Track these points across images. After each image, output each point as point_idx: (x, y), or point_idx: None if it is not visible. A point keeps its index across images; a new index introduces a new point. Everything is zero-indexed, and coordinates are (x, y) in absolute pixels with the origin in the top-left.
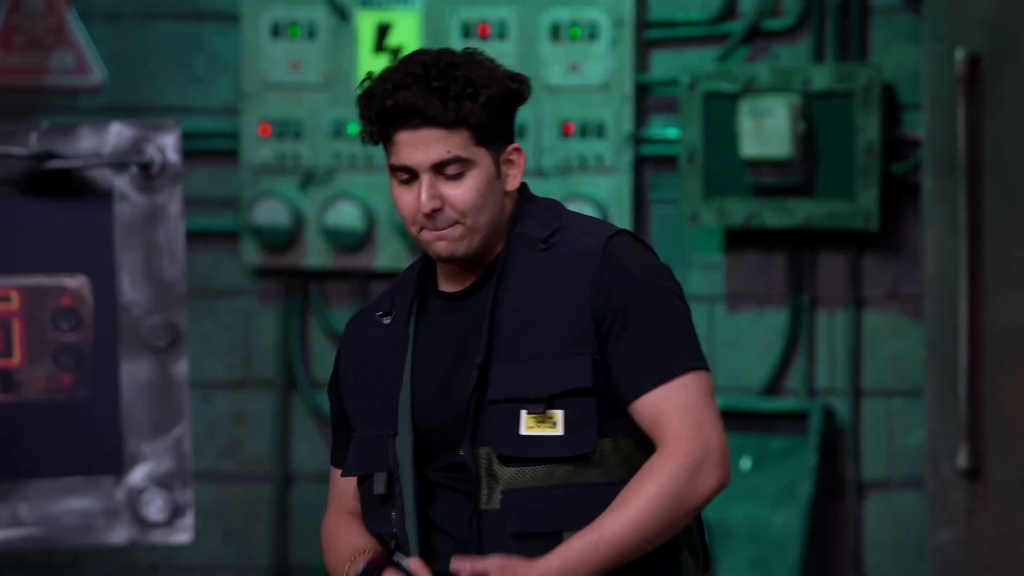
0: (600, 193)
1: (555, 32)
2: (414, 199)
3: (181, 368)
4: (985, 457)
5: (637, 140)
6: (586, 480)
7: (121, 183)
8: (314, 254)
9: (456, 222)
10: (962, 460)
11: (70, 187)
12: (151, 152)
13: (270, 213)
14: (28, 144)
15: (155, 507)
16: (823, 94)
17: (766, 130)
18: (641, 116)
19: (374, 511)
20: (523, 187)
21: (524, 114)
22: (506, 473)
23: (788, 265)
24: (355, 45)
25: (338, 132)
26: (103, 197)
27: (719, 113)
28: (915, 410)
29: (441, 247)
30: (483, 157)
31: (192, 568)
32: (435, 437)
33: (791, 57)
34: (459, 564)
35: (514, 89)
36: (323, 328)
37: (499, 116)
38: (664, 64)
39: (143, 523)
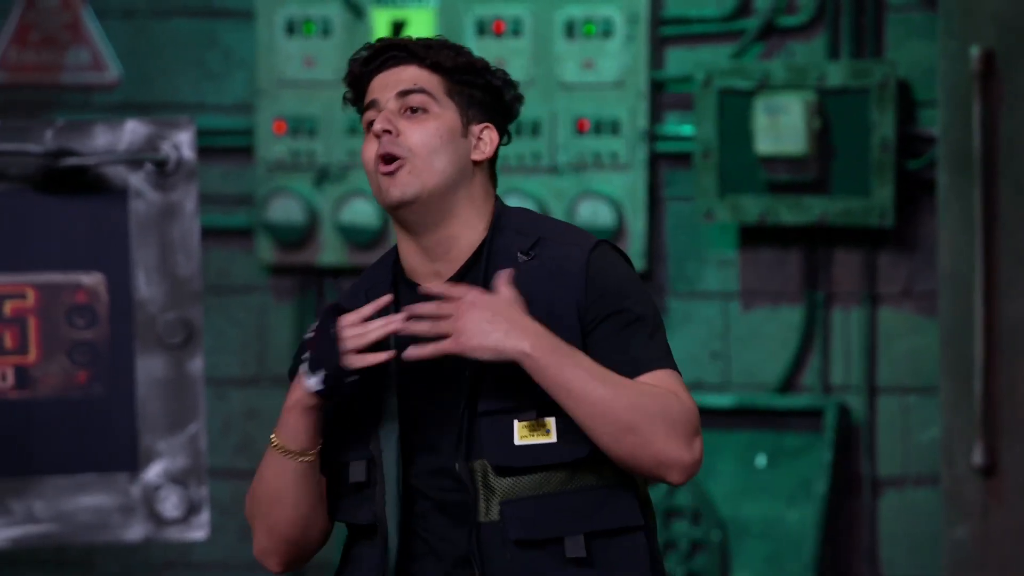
0: (614, 190)
1: (570, 29)
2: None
3: (196, 365)
4: (1000, 454)
5: (652, 137)
6: (582, 484)
7: (136, 180)
8: (328, 251)
9: (406, 160)
10: (977, 457)
11: (85, 184)
12: (166, 149)
13: (285, 210)
14: (43, 141)
15: (170, 504)
16: (838, 91)
17: (781, 127)
18: (656, 113)
19: (346, 500)
20: (496, 198)
21: (539, 111)
22: (503, 484)
23: (803, 262)
24: (370, 42)
25: (353, 129)
26: (118, 194)
27: (734, 110)
28: (930, 407)
29: (390, 185)
30: (449, 109)
31: (206, 565)
32: (417, 435)
33: (806, 54)
34: (415, 351)
35: (496, 84)
36: None
37: (476, 87)
38: (679, 61)
39: (158, 520)
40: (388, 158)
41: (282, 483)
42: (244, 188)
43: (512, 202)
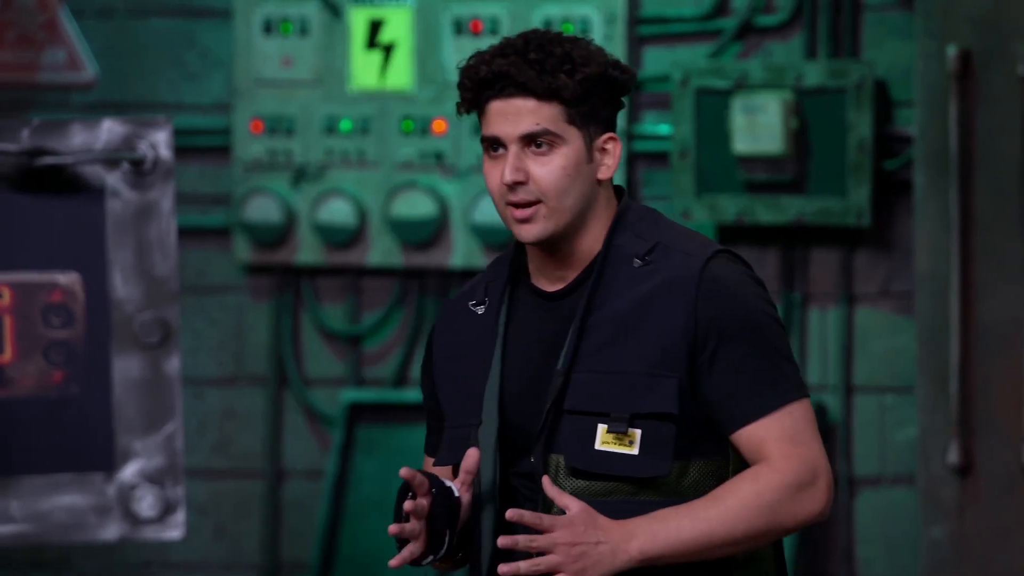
0: None
1: (547, 28)
2: (500, 172)
3: (173, 364)
4: (976, 453)
5: (629, 136)
6: (646, 499)
7: (113, 179)
8: (306, 250)
9: (539, 201)
10: (953, 456)
11: (62, 183)
12: (143, 148)
13: (262, 209)
14: (20, 140)
15: (146, 503)
16: (815, 90)
17: (758, 126)
18: (633, 112)
19: None
20: (621, 191)
21: None
22: (571, 484)
23: (780, 261)
24: (347, 41)
25: (330, 128)
26: (95, 193)
27: (711, 109)
28: (907, 406)
29: (524, 230)
30: (574, 137)
31: (183, 564)
32: (517, 436)
33: (784, 54)
34: (509, 568)
35: (614, 76)
36: (315, 325)
37: (595, 99)
38: (656, 60)
39: (134, 520)
40: (522, 204)
41: None
42: (221, 187)
43: (488, 202)
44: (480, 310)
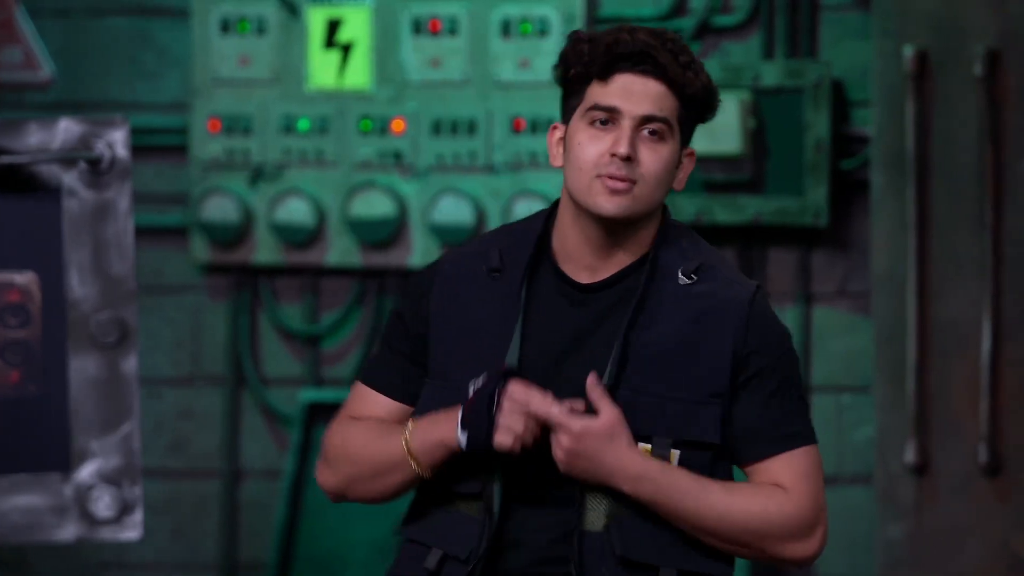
0: (551, 189)
1: (506, 28)
2: (605, 145)
3: (130, 364)
4: (933, 452)
5: None
6: None
7: (70, 179)
8: (264, 250)
9: (634, 182)
10: (910, 455)
11: (18, 183)
12: (100, 148)
13: (219, 209)
14: None
15: (103, 504)
16: (773, 91)
17: (715, 126)
18: None
19: (452, 466)
20: (664, 210)
21: (475, 110)
22: (612, 500)
23: (737, 261)
24: (305, 41)
25: (288, 128)
26: (51, 193)
27: None
28: (864, 406)
29: (612, 202)
30: (676, 136)
31: (141, 565)
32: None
33: (741, 54)
34: (594, 381)
35: (714, 103)
36: (273, 324)
37: (696, 110)
38: None
39: (91, 520)
40: (622, 179)
41: (388, 471)
42: (178, 187)
43: (447, 201)
44: (495, 276)
